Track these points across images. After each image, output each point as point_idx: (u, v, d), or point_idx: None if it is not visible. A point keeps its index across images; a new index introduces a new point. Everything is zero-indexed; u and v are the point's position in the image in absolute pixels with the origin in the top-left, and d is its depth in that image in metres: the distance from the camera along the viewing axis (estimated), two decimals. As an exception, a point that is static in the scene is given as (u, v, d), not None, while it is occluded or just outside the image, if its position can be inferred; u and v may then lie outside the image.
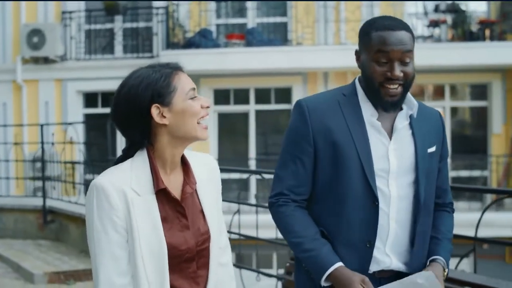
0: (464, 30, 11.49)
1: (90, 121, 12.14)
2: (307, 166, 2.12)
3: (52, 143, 8.88)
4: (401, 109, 2.15)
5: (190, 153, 2.00)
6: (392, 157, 2.09)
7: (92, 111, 12.35)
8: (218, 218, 2.01)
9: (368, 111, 2.12)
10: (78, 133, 10.76)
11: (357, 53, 2.15)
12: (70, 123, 9.11)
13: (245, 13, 12.14)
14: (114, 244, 1.79)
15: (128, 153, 1.91)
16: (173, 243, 1.84)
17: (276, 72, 11.56)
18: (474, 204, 11.37)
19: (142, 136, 1.86)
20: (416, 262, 2.14)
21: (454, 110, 12.18)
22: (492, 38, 11.50)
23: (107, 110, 12.27)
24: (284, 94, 11.97)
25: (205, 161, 2.03)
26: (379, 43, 2.04)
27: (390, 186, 2.08)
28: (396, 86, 2.06)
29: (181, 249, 1.86)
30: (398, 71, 2.04)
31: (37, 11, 12.14)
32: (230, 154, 12.13)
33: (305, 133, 2.11)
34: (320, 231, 2.12)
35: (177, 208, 1.88)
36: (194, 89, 1.87)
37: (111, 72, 11.79)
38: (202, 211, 1.95)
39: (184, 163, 1.95)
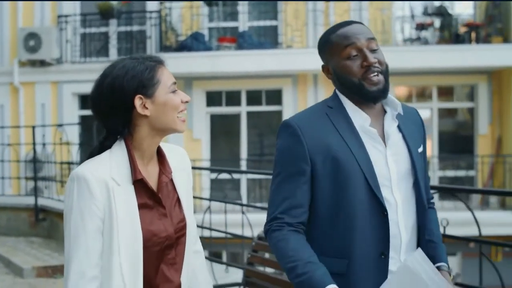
0: (451, 33, 11.72)
1: (84, 122, 12.42)
2: (303, 187, 2.04)
3: (44, 144, 9.14)
4: (385, 111, 2.12)
5: (163, 145, 2.04)
6: (391, 164, 2.06)
7: (88, 113, 12.61)
8: (191, 206, 2.07)
9: (359, 119, 2.07)
10: (72, 134, 11.06)
11: (325, 67, 2.13)
12: (60, 125, 9.38)
13: (237, 17, 12.40)
14: (89, 235, 1.83)
15: (104, 144, 1.94)
16: (153, 230, 1.89)
17: (267, 74, 11.81)
18: (459, 203, 11.58)
19: (123, 126, 1.90)
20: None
21: (441, 111, 12.40)
22: (478, 41, 11.74)
23: (102, 111, 12.58)
24: (274, 96, 12.23)
25: (176, 151, 2.08)
26: (343, 40, 2.04)
27: (395, 193, 2.05)
28: (375, 73, 2.03)
29: (161, 236, 1.91)
30: (372, 58, 2.02)
31: (33, 15, 12.43)
32: (222, 155, 12.39)
33: (301, 153, 2.03)
34: (336, 251, 2.04)
35: (154, 198, 1.93)
36: (175, 83, 1.93)
37: (106, 75, 12.11)
38: (178, 199, 2.01)
39: (160, 153, 2.00)
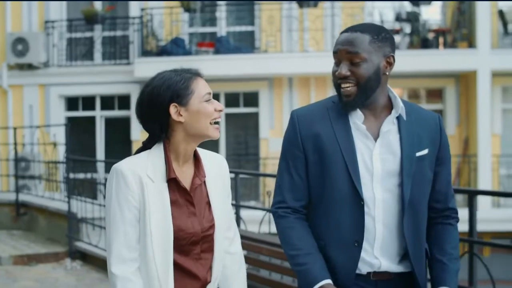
0: (420, 38, 12.24)
1: (70, 123, 12.93)
2: (300, 172, 2.19)
3: (23, 144, 9.66)
4: (390, 113, 2.18)
5: (203, 151, 2.21)
6: (376, 161, 2.13)
7: (74, 114, 13.15)
8: (225, 210, 2.21)
9: (354, 115, 2.16)
10: (59, 134, 11.58)
11: None
12: (37, 126, 9.95)
13: (216, 23, 12.94)
14: (127, 222, 2.01)
15: (147, 145, 2.13)
16: (181, 226, 2.05)
17: (244, 77, 12.33)
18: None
19: (161, 130, 2.07)
20: (417, 262, 2.17)
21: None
22: (445, 46, 12.27)
23: (87, 113, 13.13)
24: (251, 98, 12.76)
25: (216, 159, 2.23)
26: (334, 47, 2.17)
27: (375, 189, 2.12)
28: (347, 85, 2.11)
29: (188, 232, 2.06)
30: (343, 70, 2.10)
31: (21, 20, 12.94)
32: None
33: (295, 140, 2.19)
34: (314, 234, 2.18)
35: (186, 196, 2.09)
36: (209, 93, 2.09)
37: (90, 78, 12.66)
38: (208, 202, 2.15)
39: (196, 158, 2.16)
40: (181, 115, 2.05)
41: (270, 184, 11.64)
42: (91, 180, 9.77)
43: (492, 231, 11.43)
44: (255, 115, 12.67)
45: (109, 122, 13.13)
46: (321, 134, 2.15)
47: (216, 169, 2.19)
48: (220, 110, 2.11)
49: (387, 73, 2.16)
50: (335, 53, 2.14)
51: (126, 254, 2.01)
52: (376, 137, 2.14)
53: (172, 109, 2.05)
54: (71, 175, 7.94)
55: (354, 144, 2.13)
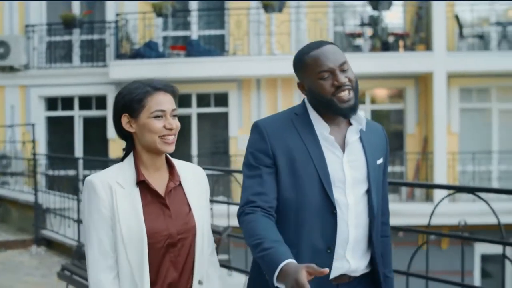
0: (381, 42, 12.89)
1: (49, 123, 13.55)
2: (270, 176, 2.20)
3: (4, 142, 10.22)
4: (351, 124, 2.27)
5: (181, 162, 2.27)
6: (346, 169, 2.21)
7: (53, 114, 13.78)
8: (205, 216, 2.23)
9: (320, 127, 2.23)
10: (39, 133, 12.19)
11: (300, 84, 2.29)
12: (10, 126, 10.53)
13: (189, 27, 13.58)
14: (100, 230, 2.06)
15: (127, 151, 2.20)
16: (155, 228, 2.08)
17: (214, 79, 12.95)
18: (391, 195, 12.76)
19: (124, 139, 2.18)
20: (379, 263, 2.30)
21: (373, 113, 13.56)
22: (405, 49, 12.93)
23: (66, 113, 13.76)
24: (221, 99, 13.40)
25: (194, 169, 2.29)
26: (316, 62, 2.19)
27: (348, 196, 2.20)
28: (346, 92, 2.18)
29: (163, 234, 2.09)
30: (343, 78, 2.17)
31: (2, 24, 13.56)
32: (175, 153, 13.50)
33: (265, 149, 2.21)
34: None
35: (159, 199, 2.13)
36: (162, 110, 2.09)
37: (69, 79, 13.30)
38: (188, 206, 2.18)
39: (170, 165, 2.21)
40: (131, 127, 2.11)
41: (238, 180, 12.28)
42: (64, 176, 10.38)
43: (450, 224, 12.06)
44: (225, 115, 13.31)
45: (87, 121, 13.76)
46: (291, 146, 2.20)
47: (192, 177, 2.24)
48: (170, 129, 2.10)
49: None
50: (322, 69, 2.18)
51: (102, 262, 2.04)
52: (342, 147, 2.23)
53: (124, 119, 2.12)
54: (50, 172, 8.59)
55: (323, 154, 2.20)
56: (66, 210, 7.73)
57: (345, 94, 2.18)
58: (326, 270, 1.86)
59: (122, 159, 2.20)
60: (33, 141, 8.84)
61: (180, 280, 2.14)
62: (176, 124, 2.12)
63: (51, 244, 7.98)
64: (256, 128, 2.26)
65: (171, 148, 2.13)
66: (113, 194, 2.07)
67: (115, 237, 2.05)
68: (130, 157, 2.16)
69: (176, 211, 2.14)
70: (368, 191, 2.24)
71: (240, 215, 2.20)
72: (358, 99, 2.25)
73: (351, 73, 2.22)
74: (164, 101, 2.10)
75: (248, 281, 2.38)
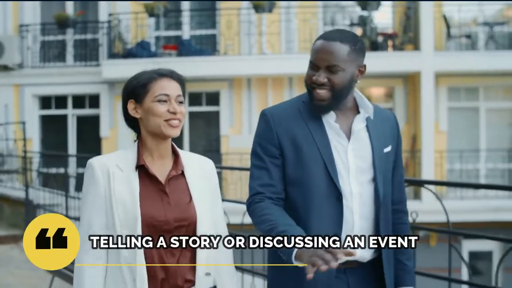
0: (371, 41, 13.08)
1: (43, 121, 13.73)
2: (277, 167, 2.23)
3: (6, 140, 10.40)
4: (359, 112, 2.27)
5: (189, 154, 2.27)
6: (351, 157, 2.22)
7: (47, 113, 13.96)
8: (210, 207, 2.21)
9: (327, 115, 2.24)
10: (33, 131, 12.36)
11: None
12: (2, 124, 10.69)
13: (180, 27, 13.77)
14: (92, 212, 2.11)
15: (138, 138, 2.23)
16: (152, 213, 2.09)
17: (205, 78, 13.12)
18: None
19: (130, 125, 2.22)
20: (386, 252, 2.27)
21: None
22: (394, 48, 13.12)
23: (60, 111, 13.93)
24: (213, 98, 13.58)
25: (201, 161, 2.28)
26: (313, 50, 2.22)
27: (352, 184, 2.21)
28: (323, 91, 2.18)
29: (158, 220, 2.09)
30: (321, 78, 2.17)
31: (-3, 24, 13.78)
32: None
33: (271, 137, 2.23)
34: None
35: (159, 186, 2.14)
36: (166, 95, 2.12)
37: (63, 78, 13.47)
38: (189, 195, 2.17)
39: (175, 154, 2.22)
40: (137, 112, 2.15)
41: (227, 178, 12.47)
42: (55, 173, 10.55)
43: (437, 221, 12.26)
44: (216, 114, 13.49)
45: (80, 120, 13.94)
46: (297, 133, 2.22)
47: (198, 168, 2.23)
48: (174, 113, 2.11)
49: (358, 81, 2.28)
50: (313, 59, 2.20)
51: (87, 244, 2.08)
52: (348, 135, 2.24)
53: (130, 106, 2.16)
54: (42, 169, 8.78)
55: (329, 142, 2.22)
56: (55, 206, 7.90)
57: (317, 92, 2.19)
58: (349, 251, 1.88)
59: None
60: (24, 139, 9.00)
61: (179, 267, 2.11)
62: (180, 109, 2.14)
63: (41, 239, 8.14)
64: (264, 117, 2.29)
65: (176, 132, 2.13)
66: (110, 176, 2.10)
67: (113, 219, 2.08)
68: (136, 143, 2.20)
69: (176, 199, 2.14)
70: (374, 180, 2.24)
71: (250, 205, 2.23)
72: (338, 103, 2.22)
73: (340, 77, 2.18)
74: (168, 86, 2.13)
75: (269, 282, 2.36)
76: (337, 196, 2.18)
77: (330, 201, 2.18)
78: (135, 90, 2.14)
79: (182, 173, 2.20)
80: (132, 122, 2.21)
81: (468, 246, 12.86)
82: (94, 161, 2.14)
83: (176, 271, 2.11)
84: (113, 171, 2.11)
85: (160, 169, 2.16)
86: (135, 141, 2.22)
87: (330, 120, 2.23)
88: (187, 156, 2.24)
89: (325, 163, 2.18)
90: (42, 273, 6.29)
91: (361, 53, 2.25)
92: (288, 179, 2.23)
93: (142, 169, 2.13)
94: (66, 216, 7.36)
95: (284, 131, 2.23)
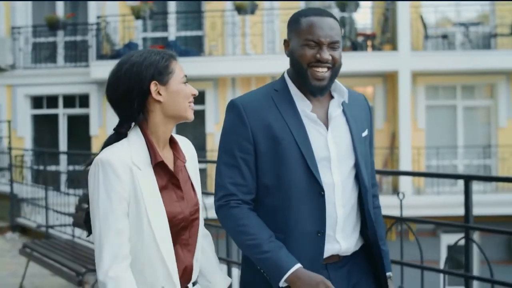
0: (351, 41, 13.49)
1: (35, 121, 14.16)
2: (250, 165, 2.09)
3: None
4: (332, 97, 2.16)
5: (177, 137, 2.12)
6: (331, 145, 2.10)
7: (39, 112, 14.42)
8: (200, 192, 2.12)
9: (302, 104, 2.12)
10: (25, 130, 12.77)
11: (286, 42, 2.16)
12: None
13: (167, 28, 14.21)
14: (118, 217, 1.86)
15: (120, 131, 1.99)
16: (172, 212, 1.95)
17: (191, 78, 13.35)
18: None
19: (138, 112, 1.95)
20: (373, 237, 2.19)
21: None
22: (374, 48, 13.53)
23: (51, 111, 14.38)
24: (198, 97, 13.73)
25: (184, 141, 2.15)
26: (309, 28, 2.07)
27: (334, 174, 2.09)
28: (324, 69, 2.07)
29: (178, 218, 1.97)
30: (327, 54, 2.06)
31: (-11, 27, 14.23)
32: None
33: (244, 132, 2.08)
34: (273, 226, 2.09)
35: (172, 180, 2.00)
36: (185, 76, 2.04)
37: (54, 79, 13.93)
38: (191, 184, 2.08)
39: (172, 141, 2.07)
40: (160, 94, 1.96)
41: (212, 174, 12.90)
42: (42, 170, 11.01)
43: (416, 216, 12.65)
44: (202, 112, 13.92)
45: (70, 119, 14.39)
46: (272, 124, 2.08)
47: (187, 151, 2.12)
48: (194, 95, 2.06)
49: None
50: (314, 35, 2.07)
51: (119, 251, 1.86)
52: (325, 122, 2.13)
53: (153, 87, 1.95)
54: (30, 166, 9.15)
55: (306, 132, 2.09)
56: (37, 200, 8.36)
57: (320, 71, 2.07)
58: None
59: (111, 141, 1.99)
60: (9, 137, 9.44)
61: (188, 262, 2.04)
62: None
63: (25, 231, 8.61)
64: (234, 108, 2.12)
65: (193, 116, 2.07)
66: (134, 176, 1.90)
67: (139, 222, 1.90)
68: (138, 133, 1.98)
69: (186, 192, 2.04)
70: (356, 165, 2.14)
71: (222, 207, 2.10)
72: (332, 83, 2.14)
73: (339, 53, 2.10)
74: (182, 68, 2.06)
75: (241, 277, 2.28)
76: (319, 191, 2.07)
77: (311, 197, 2.07)
78: (160, 70, 1.97)
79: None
80: (131, 111, 1.97)
81: (447, 240, 13.28)
82: (111, 158, 1.90)
83: (192, 267, 2.05)
84: (135, 170, 1.92)
85: (167, 160, 2.02)
86: (115, 136, 2.00)
87: (306, 109, 2.12)
88: (180, 141, 2.12)
89: (304, 156, 2.06)
90: (22, 260, 6.73)
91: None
92: (264, 175, 2.10)
93: (157, 165, 1.97)
94: (45, 207, 7.80)
95: (258, 123, 2.08)
